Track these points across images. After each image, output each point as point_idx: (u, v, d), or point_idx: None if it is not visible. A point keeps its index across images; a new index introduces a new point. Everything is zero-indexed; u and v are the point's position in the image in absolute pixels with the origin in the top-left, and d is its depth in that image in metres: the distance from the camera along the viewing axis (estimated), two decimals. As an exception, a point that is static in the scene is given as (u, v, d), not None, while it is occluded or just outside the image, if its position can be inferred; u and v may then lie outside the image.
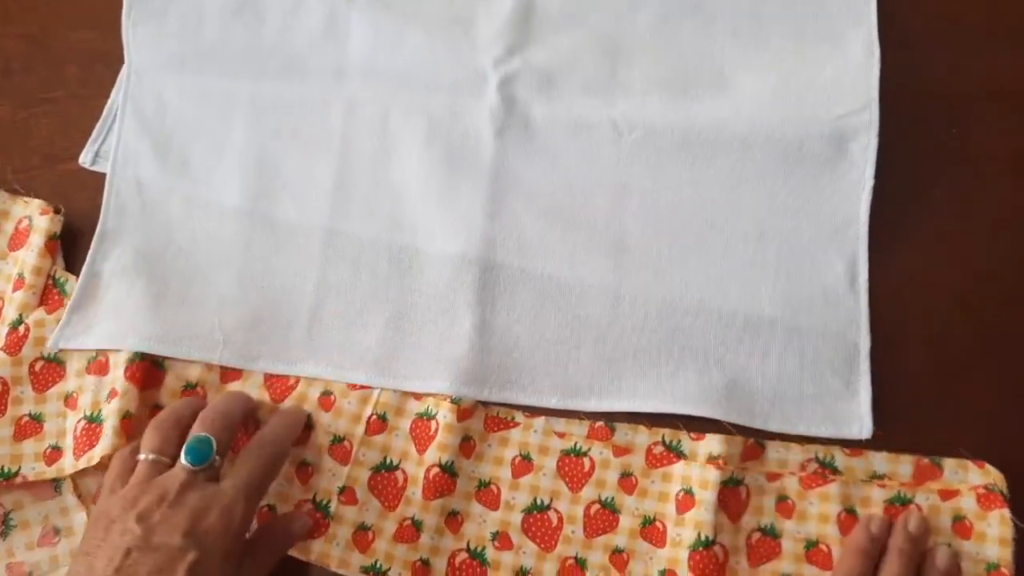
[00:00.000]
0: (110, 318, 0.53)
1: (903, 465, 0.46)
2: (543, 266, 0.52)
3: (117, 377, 0.50)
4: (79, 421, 0.50)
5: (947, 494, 0.45)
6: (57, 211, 0.54)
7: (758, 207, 0.52)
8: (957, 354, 0.49)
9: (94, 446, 0.49)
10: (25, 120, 0.59)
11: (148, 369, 0.51)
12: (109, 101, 0.59)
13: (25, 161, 0.58)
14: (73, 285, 0.53)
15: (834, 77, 0.53)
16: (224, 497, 0.42)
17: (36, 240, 0.53)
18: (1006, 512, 0.43)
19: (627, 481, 0.47)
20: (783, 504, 0.46)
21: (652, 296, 0.51)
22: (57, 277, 0.54)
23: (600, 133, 0.54)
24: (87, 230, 0.55)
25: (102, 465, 0.48)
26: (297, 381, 0.51)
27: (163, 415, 0.47)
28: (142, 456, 0.44)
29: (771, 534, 0.46)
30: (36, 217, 0.54)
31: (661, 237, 0.52)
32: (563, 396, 0.50)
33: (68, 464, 0.50)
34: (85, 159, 0.57)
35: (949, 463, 0.46)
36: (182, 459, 0.43)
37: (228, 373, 0.52)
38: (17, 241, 0.55)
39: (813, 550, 0.45)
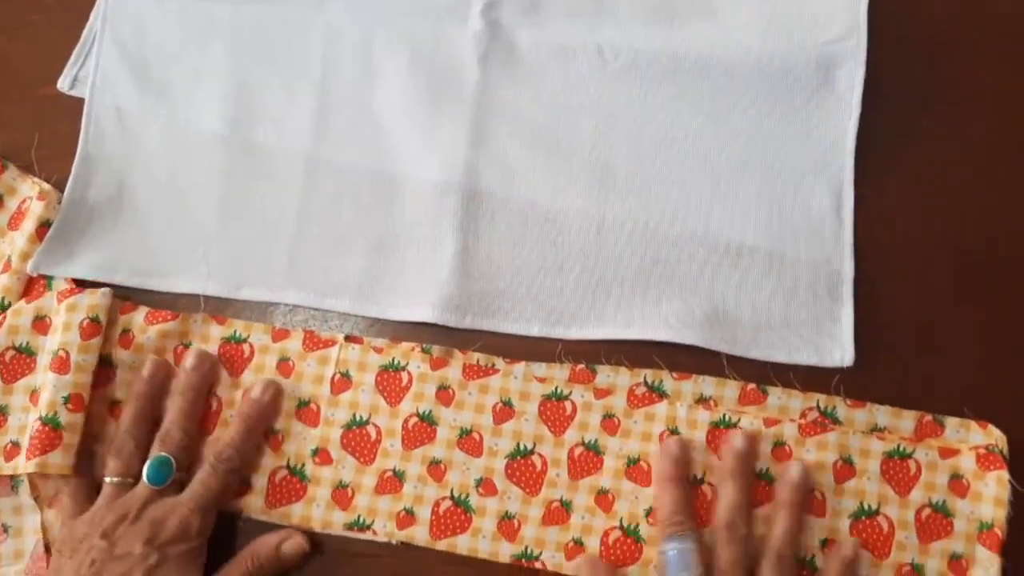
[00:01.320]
0: (95, 248, 0.53)
1: (905, 420, 0.46)
2: (526, 193, 0.52)
3: (76, 381, 0.48)
4: (35, 420, 0.47)
5: (947, 452, 0.45)
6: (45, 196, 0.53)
7: (744, 135, 0.51)
8: (941, 284, 0.49)
9: (47, 452, 0.46)
10: (4, 45, 0.58)
11: (100, 371, 0.50)
12: (88, 25, 0.58)
13: (3, 85, 0.57)
14: (60, 282, 0.52)
15: (822, 4, 0.52)
16: (183, 508, 0.45)
17: (28, 225, 0.52)
18: (1004, 474, 0.44)
19: (610, 422, 0.47)
20: (779, 450, 0.46)
21: (636, 224, 0.51)
22: None
23: (585, 59, 0.53)
24: (67, 154, 0.54)
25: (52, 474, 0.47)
26: (252, 352, 0.50)
27: (121, 440, 0.47)
28: (107, 480, 0.47)
29: (765, 478, 0.46)
30: (33, 200, 0.53)
31: (646, 165, 0.52)
32: (545, 324, 0.50)
33: (22, 463, 0.47)
34: (63, 84, 0.56)
35: (952, 421, 0.46)
36: (144, 480, 0.46)
37: (182, 352, 0.51)
38: (16, 221, 0.54)
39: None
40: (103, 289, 0.51)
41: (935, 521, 0.44)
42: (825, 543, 0.45)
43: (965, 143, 0.51)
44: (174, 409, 0.48)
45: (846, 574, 0.43)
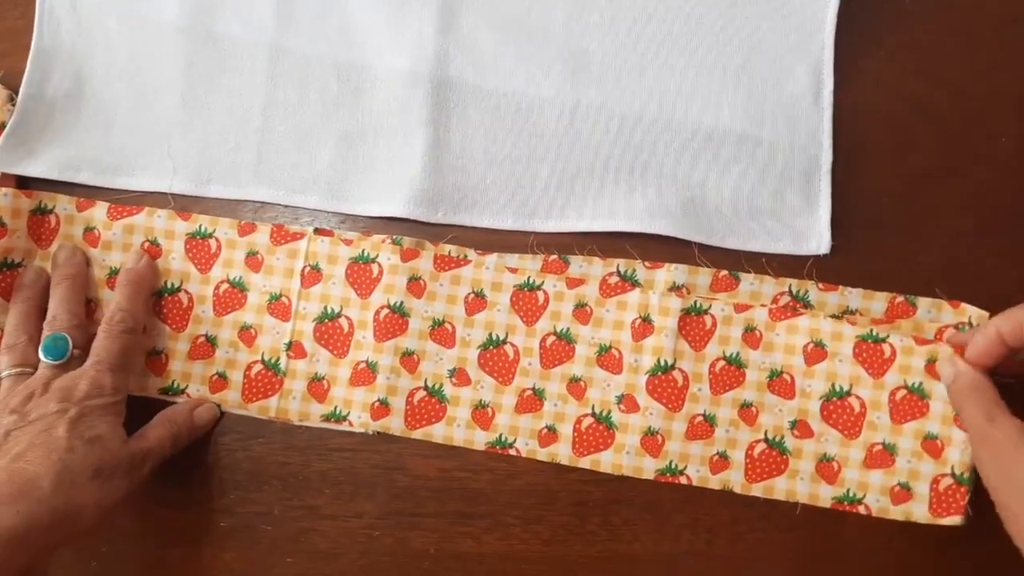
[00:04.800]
0: (57, 145, 0.51)
1: (877, 302, 0.46)
2: (498, 81, 0.50)
3: None
4: None
5: (922, 341, 0.44)
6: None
7: (721, 15, 0.50)
8: (920, 168, 0.48)
9: None
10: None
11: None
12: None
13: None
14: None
15: None
16: (89, 371, 0.44)
17: None
18: None
19: (582, 311, 0.47)
20: (750, 335, 0.46)
21: (610, 111, 0.49)
22: None
23: (558, -61, 0.51)
24: (22, 47, 0.52)
25: None
26: (219, 246, 0.50)
27: (11, 336, 0.46)
28: (4, 373, 0.45)
29: (736, 363, 0.46)
30: None
31: (620, 50, 0.50)
32: (518, 216, 0.49)
33: None
34: (13, -27, 0.54)
35: (924, 302, 0.46)
36: (42, 359, 0.45)
37: (149, 249, 0.50)
38: None
39: (776, 379, 0.46)
40: (3, 190, 0.49)
41: (910, 402, 0.44)
42: (795, 424, 0.45)
43: (947, 18, 0.49)
44: (56, 298, 0.48)
45: None
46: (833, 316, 0.45)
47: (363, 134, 0.51)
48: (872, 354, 0.45)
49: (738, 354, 0.46)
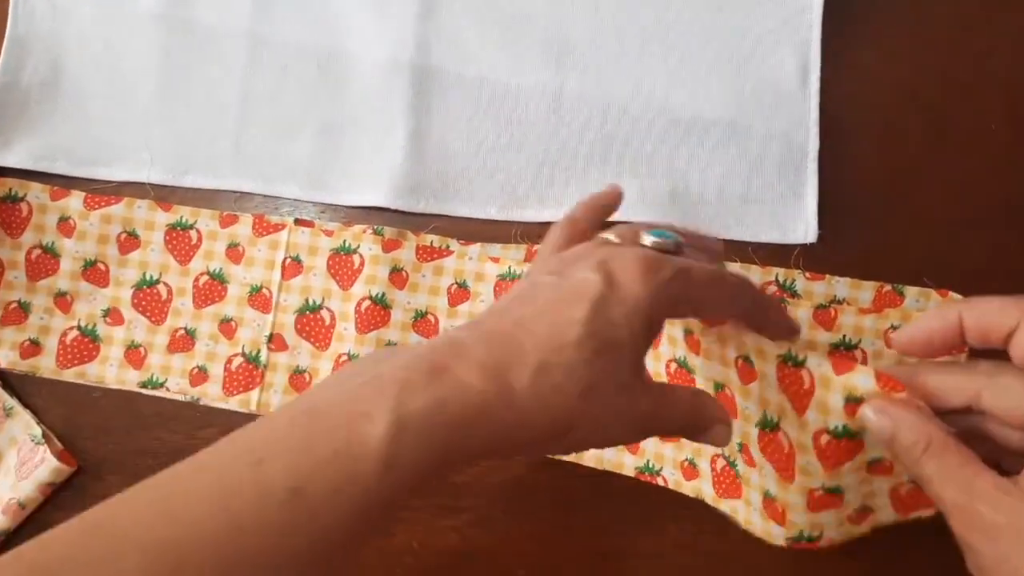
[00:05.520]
0: (32, 135, 0.51)
1: (864, 291, 0.45)
2: (480, 69, 0.49)
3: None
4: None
5: (842, 366, 0.35)
6: None
7: (706, 2, 0.48)
8: (908, 155, 0.47)
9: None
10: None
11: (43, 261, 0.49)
12: None
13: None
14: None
15: None
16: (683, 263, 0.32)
17: None
18: None
19: None
20: (691, 338, 0.38)
21: (594, 100, 0.49)
22: None
23: (540, -76, 0.50)
24: (-5, 35, 0.51)
25: None
26: (200, 238, 0.49)
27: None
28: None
29: (685, 366, 0.40)
30: None
31: (604, 37, 0.49)
32: (502, 206, 0.48)
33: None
34: (-14, -40, 0.53)
35: (911, 291, 0.45)
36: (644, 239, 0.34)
37: (126, 241, 0.49)
38: None
39: (719, 393, 0.38)
40: None
41: (836, 448, 0.33)
42: (740, 448, 0.39)
43: (937, 3, 0.48)
44: None
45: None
46: (819, 305, 0.44)
47: (343, 123, 0.50)
48: (793, 381, 0.34)
49: (685, 358, 0.40)
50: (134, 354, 0.48)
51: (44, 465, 0.46)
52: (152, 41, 0.51)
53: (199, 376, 0.48)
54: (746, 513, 0.40)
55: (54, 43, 0.51)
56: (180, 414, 0.48)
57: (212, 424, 0.48)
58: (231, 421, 0.48)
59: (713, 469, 0.43)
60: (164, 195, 0.50)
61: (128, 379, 0.48)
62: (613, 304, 0.29)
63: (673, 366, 0.41)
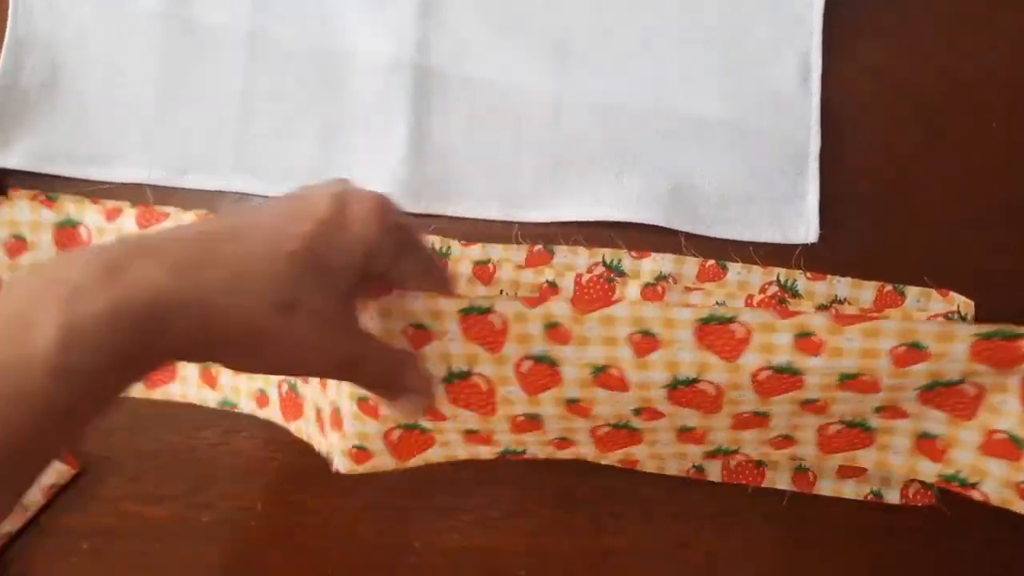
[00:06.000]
0: (32, 135, 0.50)
1: (865, 291, 0.45)
2: (480, 69, 0.49)
3: None
4: None
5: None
6: None
7: (708, 2, 0.48)
8: (909, 155, 0.47)
9: None
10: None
11: None
12: None
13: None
14: None
15: None
16: None
17: None
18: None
19: (554, 331, 0.39)
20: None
21: (595, 99, 0.48)
22: None
23: (541, -77, 0.50)
24: (-6, 36, 0.51)
25: None
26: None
27: None
28: None
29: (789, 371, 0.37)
30: None
31: (605, 37, 0.49)
32: (503, 206, 0.48)
33: None
34: (-15, -40, 0.52)
35: (912, 291, 0.45)
36: None
37: None
38: None
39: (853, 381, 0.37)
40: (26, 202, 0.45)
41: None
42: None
43: (939, 1, 0.48)
44: None
45: None
46: (820, 305, 0.44)
47: (343, 123, 0.50)
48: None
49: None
50: (207, 374, 0.48)
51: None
52: (152, 41, 0.51)
53: (262, 399, 0.47)
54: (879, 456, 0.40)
55: (53, 44, 0.51)
56: (180, 415, 0.48)
57: (213, 425, 0.48)
58: (233, 422, 0.48)
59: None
60: (164, 196, 0.50)
61: (208, 398, 0.48)
62: (339, 230, 0.30)
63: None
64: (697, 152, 0.48)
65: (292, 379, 0.44)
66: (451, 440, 0.41)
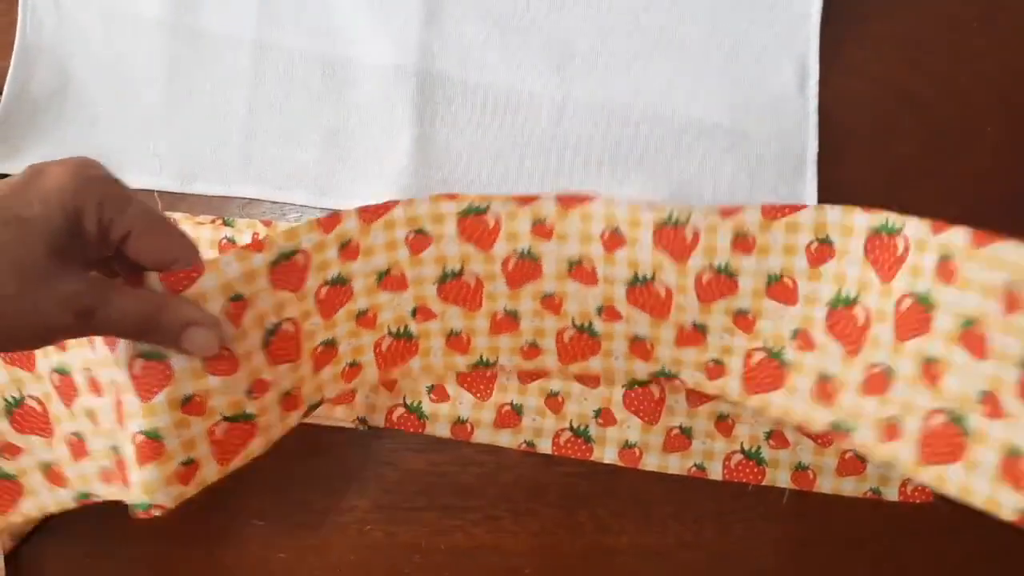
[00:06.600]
0: (42, 143, 0.51)
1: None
2: (484, 75, 0.50)
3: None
4: None
5: (939, 227, 0.38)
6: None
7: (706, 7, 0.49)
8: (905, 157, 0.48)
9: None
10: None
11: None
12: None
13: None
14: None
15: None
16: None
17: None
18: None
19: (540, 227, 0.43)
20: (742, 240, 0.41)
21: (597, 105, 0.49)
22: None
23: (542, -69, 0.51)
24: (5, 45, 0.52)
25: None
26: (308, 259, 0.40)
27: None
28: None
29: (726, 272, 0.42)
30: None
31: (607, 43, 0.50)
32: (506, 211, 0.49)
33: None
34: (-6, -30, 0.53)
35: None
36: None
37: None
38: None
39: (776, 285, 0.42)
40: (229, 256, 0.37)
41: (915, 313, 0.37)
42: (796, 334, 0.42)
43: (934, 7, 0.49)
44: None
45: None
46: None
47: (349, 129, 0.50)
48: (886, 248, 0.39)
49: (727, 264, 0.42)
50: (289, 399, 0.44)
51: None
52: (159, 48, 0.52)
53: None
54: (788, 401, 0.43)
55: (62, 52, 0.52)
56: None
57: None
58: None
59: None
60: (173, 202, 0.51)
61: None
62: (33, 187, 0.31)
63: (708, 276, 0.42)
64: (697, 156, 0.48)
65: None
66: (433, 346, 0.45)
